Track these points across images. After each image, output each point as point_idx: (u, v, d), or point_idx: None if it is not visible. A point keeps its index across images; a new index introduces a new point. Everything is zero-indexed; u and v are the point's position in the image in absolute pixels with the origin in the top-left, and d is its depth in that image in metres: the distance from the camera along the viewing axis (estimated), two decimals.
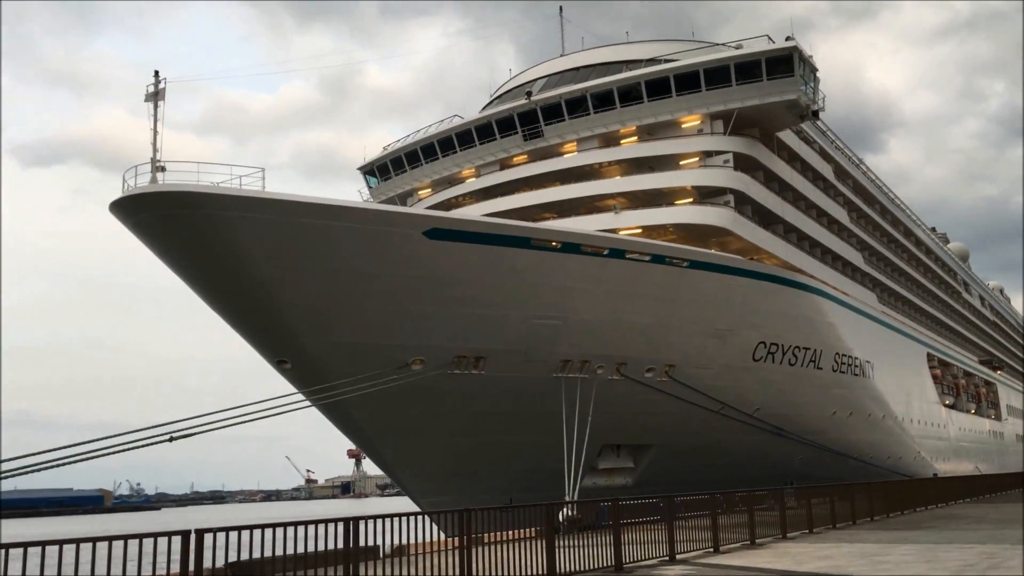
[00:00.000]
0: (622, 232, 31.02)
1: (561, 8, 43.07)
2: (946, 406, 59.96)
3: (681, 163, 34.38)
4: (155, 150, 22.32)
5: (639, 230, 31.78)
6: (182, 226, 22.14)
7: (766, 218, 36.22)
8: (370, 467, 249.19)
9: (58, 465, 16.39)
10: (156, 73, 22.73)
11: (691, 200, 33.35)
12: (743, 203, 34.13)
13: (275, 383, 26.72)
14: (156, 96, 22.49)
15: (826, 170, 45.10)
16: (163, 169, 22.25)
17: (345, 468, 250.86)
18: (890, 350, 47.76)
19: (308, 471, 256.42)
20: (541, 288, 26.81)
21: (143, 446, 17.42)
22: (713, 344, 31.38)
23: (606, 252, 27.91)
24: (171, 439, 18.14)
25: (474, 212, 33.99)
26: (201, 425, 19.05)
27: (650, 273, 28.85)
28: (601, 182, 34.27)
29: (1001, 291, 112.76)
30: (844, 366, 38.71)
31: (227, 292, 23.75)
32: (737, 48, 35.92)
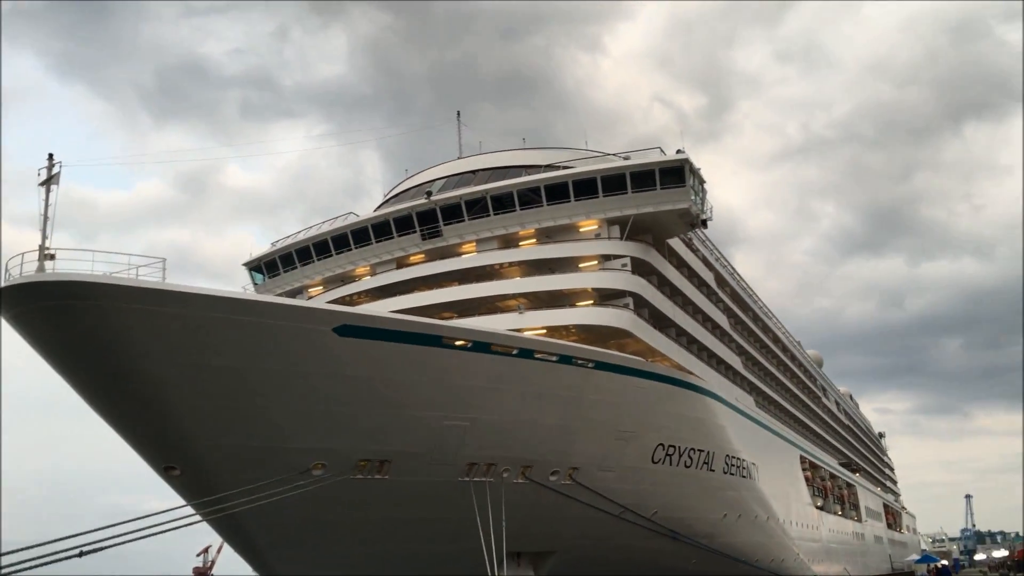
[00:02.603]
0: (527, 332, 30.87)
1: (459, 113, 44.00)
2: (817, 508, 61.97)
3: (580, 265, 34.90)
4: (44, 237, 20.64)
5: (543, 330, 31.75)
6: (72, 319, 20.28)
7: (661, 321, 37.04)
8: None
9: None
10: (50, 156, 21.24)
11: (592, 302, 33.71)
12: (641, 306, 34.81)
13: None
14: (49, 180, 20.96)
15: (708, 277, 46.99)
16: (52, 257, 20.55)
17: None
18: (770, 452, 49.19)
19: None
20: (451, 388, 26.08)
21: (50, 563, 15.24)
22: (616, 446, 31.26)
23: (515, 352, 27.57)
24: (80, 554, 16.00)
25: (373, 311, 33.13)
26: (111, 537, 16.97)
27: (558, 374, 28.66)
28: (503, 282, 34.25)
29: (850, 397, 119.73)
30: (733, 468, 39.40)
31: (117, 392, 21.75)
32: (626, 159, 37.36)
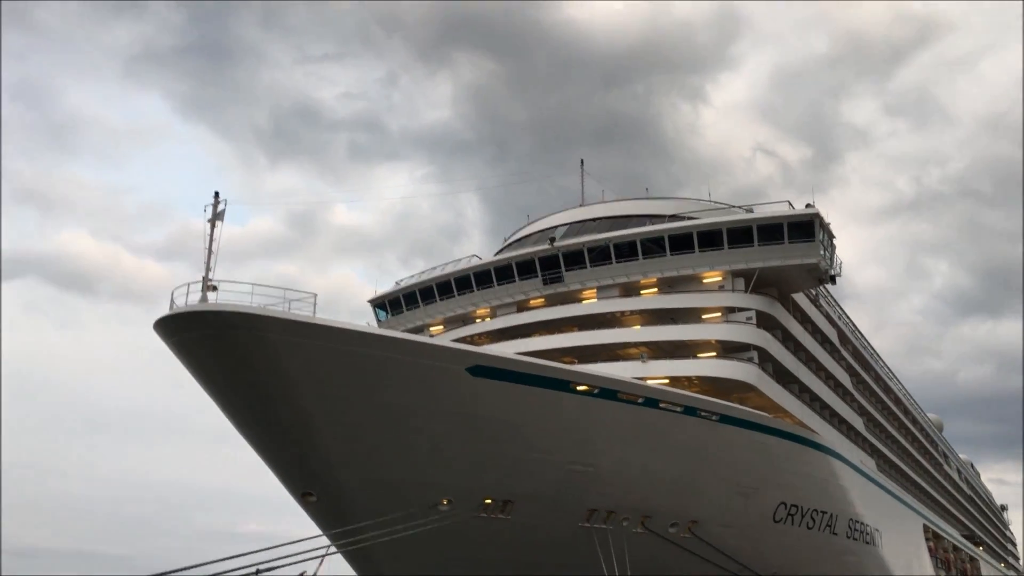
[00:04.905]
0: (649, 381, 30.76)
1: (582, 161, 44.50)
2: None
3: (704, 317, 34.62)
4: (208, 269, 21.97)
5: (666, 380, 31.57)
6: (229, 348, 21.49)
7: (784, 377, 36.25)
8: None
9: None
10: (216, 195, 22.62)
11: (715, 353, 33.33)
12: (765, 360, 34.20)
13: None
14: (215, 217, 22.39)
15: (832, 334, 45.75)
16: (215, 288, 21.83)
17: None
18: (893, 519, 47.12)
19: None
20: (576, 433, 26.24)
21: None
22: (737, 502, 30.66)
23: (641, 400, 27.56)
24: None
25: (499, 352, 33.64)
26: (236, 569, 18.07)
27: (682, 424, 28.45)
28: (625, 330, 34.27)
29: (972, 465, 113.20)
30: (857, 532, 37.96)
31: (266, 418, 22.84)
32: (749, 211, 37.03)
